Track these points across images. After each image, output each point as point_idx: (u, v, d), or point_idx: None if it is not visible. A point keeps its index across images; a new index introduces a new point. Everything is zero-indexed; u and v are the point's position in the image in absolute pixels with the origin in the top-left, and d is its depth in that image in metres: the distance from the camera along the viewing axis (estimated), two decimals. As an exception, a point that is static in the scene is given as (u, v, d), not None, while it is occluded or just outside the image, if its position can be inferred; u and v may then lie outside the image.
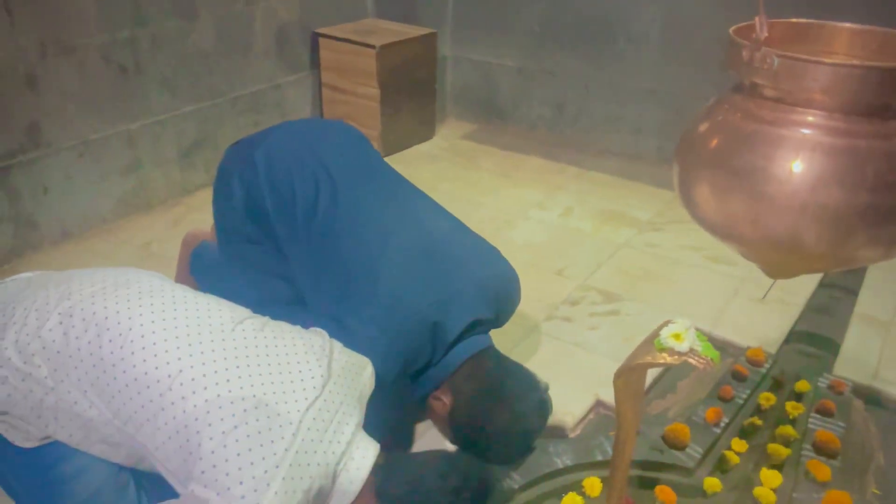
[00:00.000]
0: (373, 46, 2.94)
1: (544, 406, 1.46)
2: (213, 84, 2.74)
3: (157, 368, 1.07)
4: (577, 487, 1.52)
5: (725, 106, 1.06)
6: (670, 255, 2.46)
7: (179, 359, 1.07)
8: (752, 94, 1.02)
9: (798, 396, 1.78)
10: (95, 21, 2.31)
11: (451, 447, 1.48)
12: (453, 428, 1.46)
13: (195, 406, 1.03)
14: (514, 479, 1.53)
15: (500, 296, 1.56)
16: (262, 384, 1.07)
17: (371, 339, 1.35)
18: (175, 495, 1.05)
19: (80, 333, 1.10)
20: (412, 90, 3.20)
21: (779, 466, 1.58)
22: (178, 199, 2.73)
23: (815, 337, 2.05)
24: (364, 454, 1.14)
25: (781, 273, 1.12)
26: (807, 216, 0.96)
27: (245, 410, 1.03)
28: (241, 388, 1.06)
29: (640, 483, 1.56)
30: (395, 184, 1.67)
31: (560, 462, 1.59)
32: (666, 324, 1.08)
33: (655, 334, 1.08)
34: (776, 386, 1.83)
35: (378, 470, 1.15)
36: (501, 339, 1.77)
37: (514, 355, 1.91)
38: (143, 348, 1.08)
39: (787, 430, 1.65)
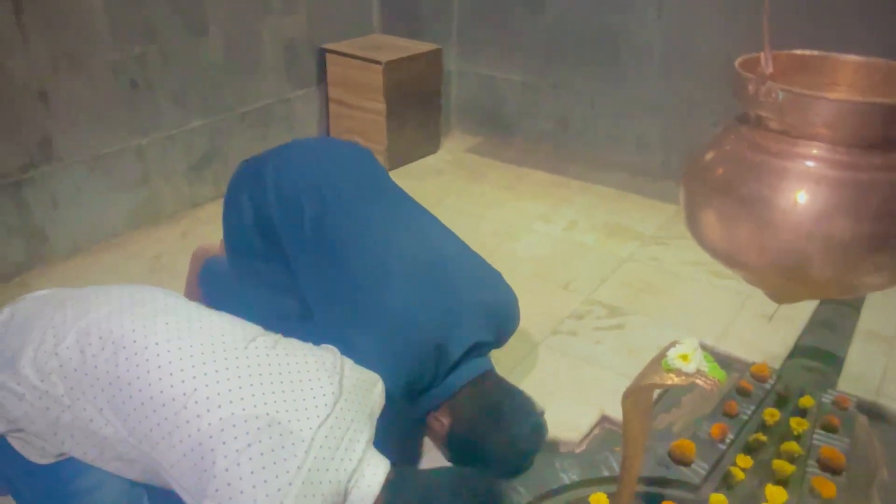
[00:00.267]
0: (379, 62, 2.97)
1: (539, 429, 1.49)
2: (223, 99, 2.77)
3: (171, 387, 1.08)
4: None
5: (732, 136, 1.08)
6: (674, 269, 2.48)
7: (194, 377, 1.09)
8: (758, 126, 1.04)
9: (802, 412, 1.79)
10: (107, 37, 2.35)
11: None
12: (450, 447, 1.49)
13: (209, 424, 1.05)
14: (521, 494, 1.54)
15: (501, 320, 1.59)
16: (275, 402, 1.09)
17: (377, 357, 1.36)
18: (189, 512, 1.07)
19: (96, 352, 1.12)
20: (418, 105, 3.23)
21: (784, 482, 1.58)
22: (187, 213, 2.75)
23: (819, 352, 2.06)
24: (375, 471, 1.15)
25: (786, 298, 1.14)
26: (812, 245, 0.97)
27: (259, 429, 1.05)
28: (255, 406, 1.08)
29: (646, 499, 1.56)
30: (402, 203, 1.69)
31: (566, 478, 1.60)
32: (673, 344, 1.10)
33: (662, 355, 1.10)
34: (781, 402, 1.84)
35: (388, 486, 1.16)
36: (507, 354, 1.79)
37: (520, 370, 1.94)
38: (159, 367, 1.10)
39: (792, 446, 1.66)
